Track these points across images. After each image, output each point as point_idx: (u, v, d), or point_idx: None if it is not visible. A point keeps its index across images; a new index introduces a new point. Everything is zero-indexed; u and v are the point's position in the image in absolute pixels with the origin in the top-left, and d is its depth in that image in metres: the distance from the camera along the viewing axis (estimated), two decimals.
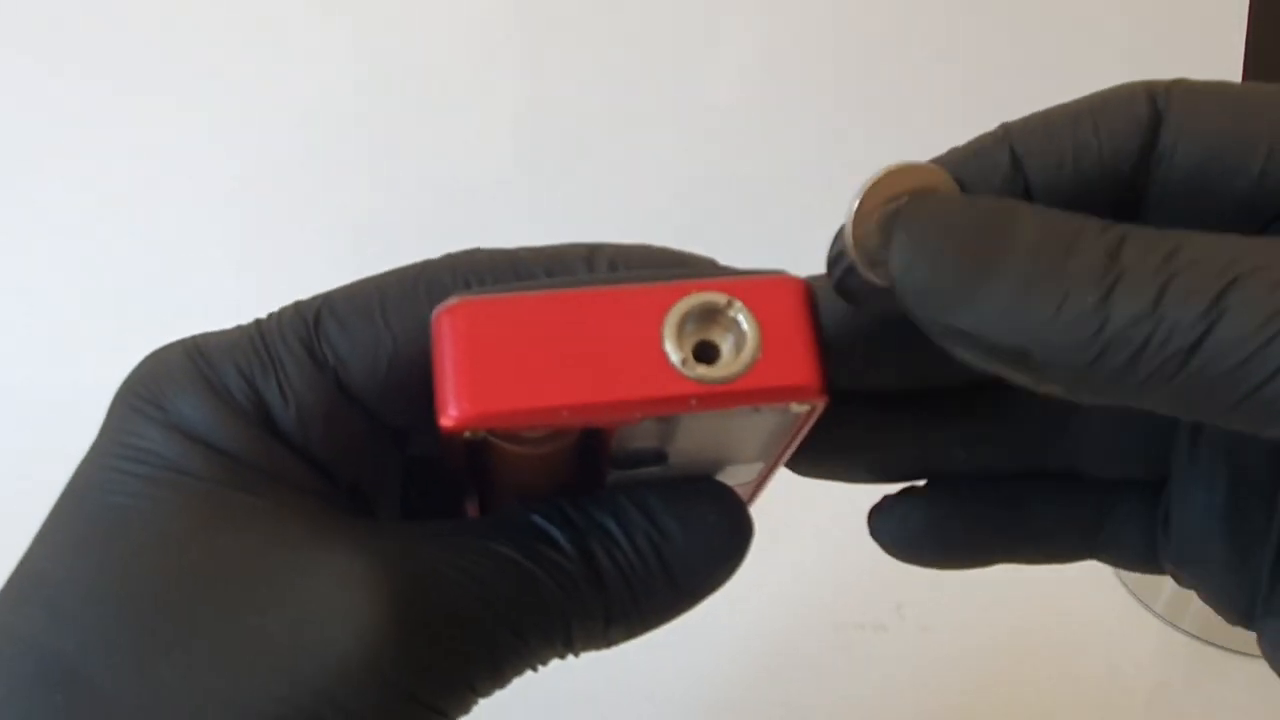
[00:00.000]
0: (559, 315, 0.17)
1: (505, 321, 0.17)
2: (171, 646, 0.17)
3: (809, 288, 0.18)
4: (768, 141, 0.67)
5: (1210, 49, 0.68)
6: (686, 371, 0.17)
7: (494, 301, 0.17)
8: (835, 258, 0.19)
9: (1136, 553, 0.24)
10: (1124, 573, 0.50)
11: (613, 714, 0.43)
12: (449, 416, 0.17)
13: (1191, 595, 0.46)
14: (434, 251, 0.62)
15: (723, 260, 0.20)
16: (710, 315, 0.17)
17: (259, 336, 0.20)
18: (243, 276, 0.68)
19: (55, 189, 0.65)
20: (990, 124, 0.21)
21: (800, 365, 0.17)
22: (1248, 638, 0.49)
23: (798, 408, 0.18)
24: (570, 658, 0.21)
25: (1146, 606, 0.49)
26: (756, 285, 0.17)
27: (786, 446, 0.21)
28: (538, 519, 0.20)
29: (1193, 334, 0.15)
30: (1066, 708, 0.44)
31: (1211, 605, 0.23)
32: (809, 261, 0.21)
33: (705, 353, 0.17)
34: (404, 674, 0.18)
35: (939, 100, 0.63)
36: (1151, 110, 0.18)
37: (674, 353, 0.17)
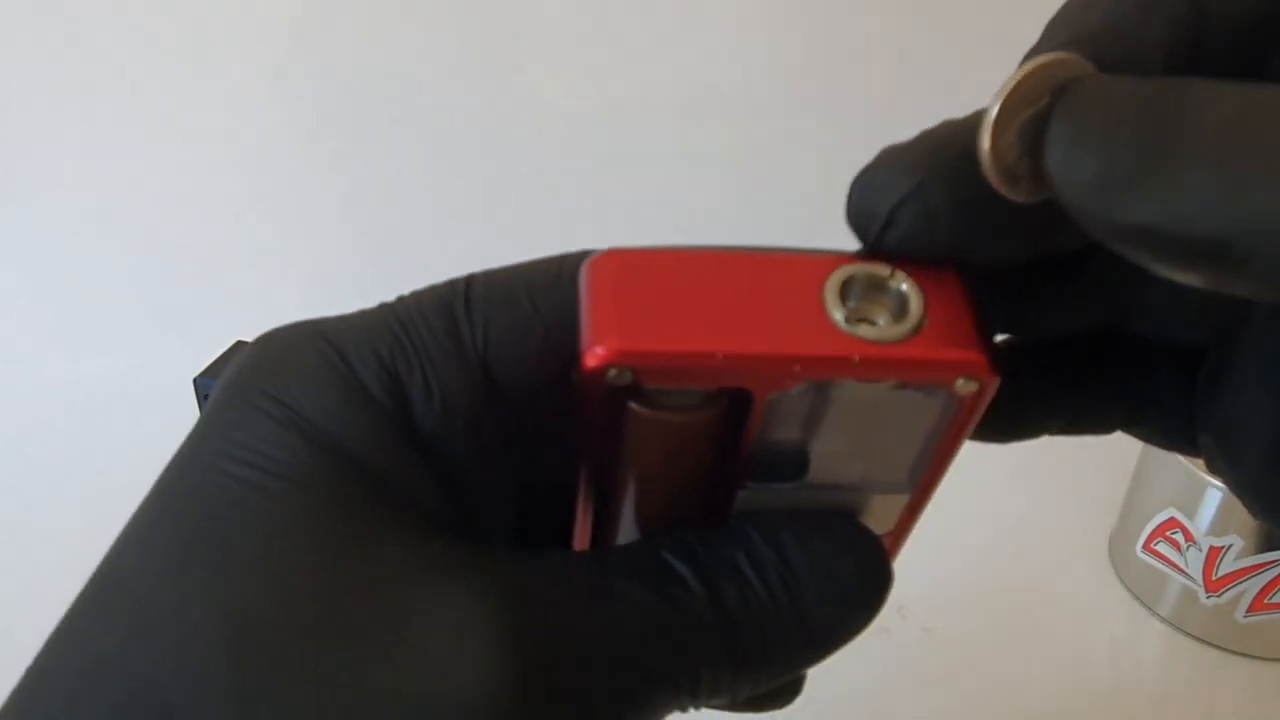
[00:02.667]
0: (716, 271, 0.16)
1: (659, 271, 0.16)
2: (275, 691, 0.15)
3: (969, 274, 0.17)
4: (765, 128, 0.67)
5: None
6: (850, 330, 0.16)
7: (648, 252, 0.16)
8: (923, 188, 0.16)
9: (1170, 428, 0.21)
10: (1128, 576, 0.50)
11: None
12: (594, 354, 0.15)
13: (1195, 597, 0.46)
14: (435, 240, 0.61)
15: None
16: (873, 287, 0.16)
17: (397, 323, 0.18)
18: (227, 276, 0.68)
19: (50, 187, 0.65)
20: None
21: (966, 337, 0.16)
22: (1250, 640, 0.49)
23: (964, 386, 0.16)
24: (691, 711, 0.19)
25: (1150, 609, 0.49)
26: (917, 264, 0.16)
27: (939, 464, 0.19)
28: (666, 555, 0.18)
29: None
30: (1069, 709, 0.44)
31: (1244, 496, 0.20)
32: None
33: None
34: None
35: (942, 93, 0.63)
36: None
37: (836, 311, 0.16)
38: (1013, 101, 0.15)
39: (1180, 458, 0.45)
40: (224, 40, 0.63)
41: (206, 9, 0.62)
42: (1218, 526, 0.45)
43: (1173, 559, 0.47)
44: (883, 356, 0.16)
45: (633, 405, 0.16)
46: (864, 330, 0.16)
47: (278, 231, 0.68)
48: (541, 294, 0.18)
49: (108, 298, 0.66)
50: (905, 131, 0.17)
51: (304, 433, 0.17)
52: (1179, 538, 0.46)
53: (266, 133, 0.65)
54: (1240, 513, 0.44)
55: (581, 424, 0.17)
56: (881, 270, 0.16)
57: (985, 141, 0.15)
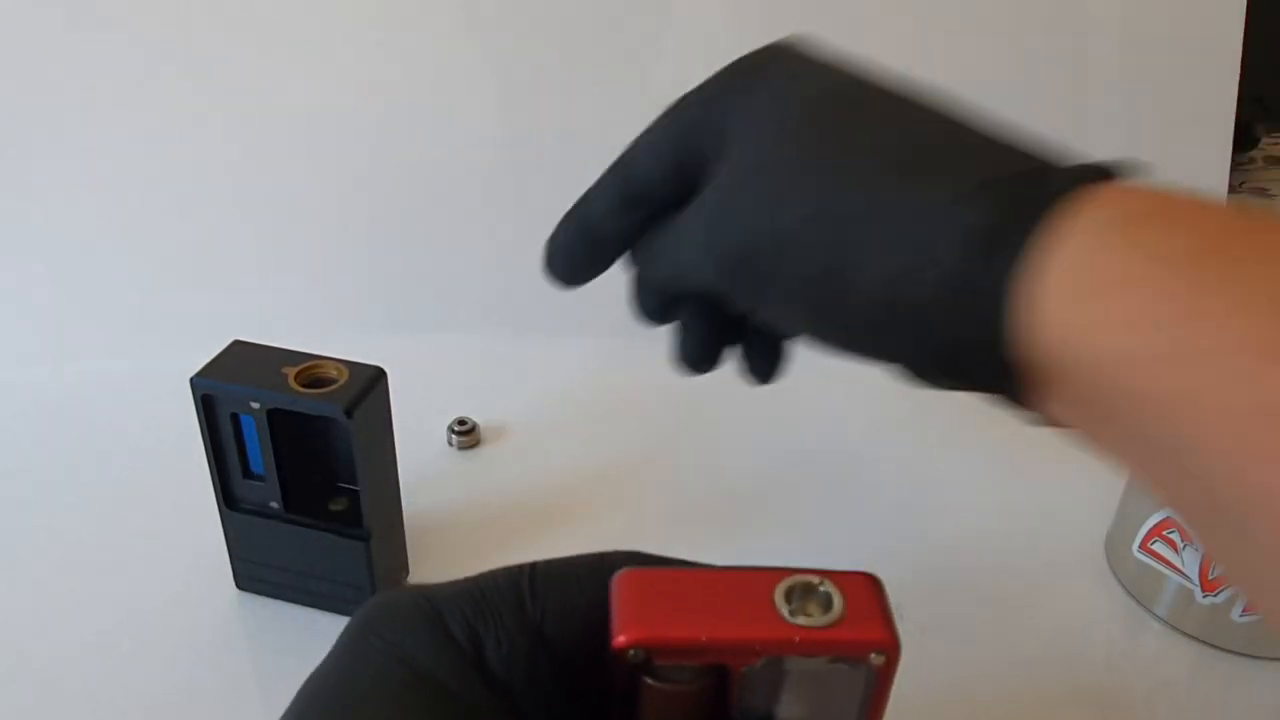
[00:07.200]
0: (700, 582, 0.24)
1: (661, 584, 0.24)
2: None
3: (878, 580, 0.25)
4: None
5: (1210, 49, 0.68)
6: (792, 619, 0.23)
7: (654, 571, 0.25)
8: None
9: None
10: (1124, 576, 0.50)
11: None
12: (619, 640, 0.23)
13: (1192, 597, 0.46)
14: (435, 242, 0.61)
15: None
16: (808, 590, 0.24)
17: (479, 592, 0.25)
18: (229, 281, 0.68)
19: (51, 186, 0.65)
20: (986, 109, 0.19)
21: (876, 624, 0.24)
22: (1246, 639, 0.49)
23: (876, 658, 0.23)
24: None
25: (1146, 609, 0.49)
26: (841, 574, 0.24)
27: None
28: None
29: None
30: (1066, 709, 0.44)
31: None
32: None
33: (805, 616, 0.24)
34: None
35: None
36: None
37: (784, 608, 0.24)
38: None
39: None
40: (224, 41, 0.63)
41: (205, 14, 0.62)
42: None
43: (1169, 559, 0.47)
44: (816, 638, 0.23)
45: (646, 680, 0.24)
46: (802, 619, 0.23)
47: (277, 232, 0.68)
48: (586, 580, 0.25)
49: (106, 298, 0.66)
50: None
51: (406, 664, 0.24)
52: (1175, 537, 0.47)
53: (266, 133, 0.65)
54: None
55: (612, 692, 0.24)
56: (813, 579, 0.24)
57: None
